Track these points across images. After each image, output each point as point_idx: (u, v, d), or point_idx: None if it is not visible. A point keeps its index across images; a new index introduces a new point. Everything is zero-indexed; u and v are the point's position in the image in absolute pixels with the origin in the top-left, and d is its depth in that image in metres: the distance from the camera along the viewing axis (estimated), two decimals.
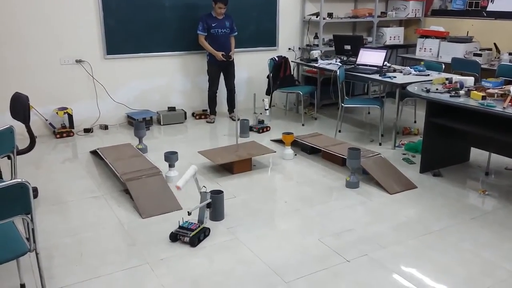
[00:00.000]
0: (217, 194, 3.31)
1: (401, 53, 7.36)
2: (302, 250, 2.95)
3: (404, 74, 5.16)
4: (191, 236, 2.98)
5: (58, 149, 5.05)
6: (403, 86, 4.62)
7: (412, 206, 3.59)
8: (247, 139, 5.17)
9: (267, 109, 5.28)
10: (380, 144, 5.08)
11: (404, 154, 4.79)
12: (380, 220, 3.36)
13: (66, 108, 5.46)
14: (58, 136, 5.41)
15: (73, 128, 5.52)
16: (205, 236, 3.09)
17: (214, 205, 3.30)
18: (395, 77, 4.99)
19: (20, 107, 3.43)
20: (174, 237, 3.03)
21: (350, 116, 6.35)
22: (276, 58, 6.12)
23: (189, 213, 3.02)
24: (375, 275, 2.68)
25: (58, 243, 3.03)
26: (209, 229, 3.14)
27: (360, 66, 5.48)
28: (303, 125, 5.91)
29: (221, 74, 5.99)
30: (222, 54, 5.73)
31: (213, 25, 5.71)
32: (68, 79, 5.52)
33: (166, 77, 6.11)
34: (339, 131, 5.55)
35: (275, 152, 4.50)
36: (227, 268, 2.75)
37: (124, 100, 5.89)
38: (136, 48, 5.81)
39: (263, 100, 5.37)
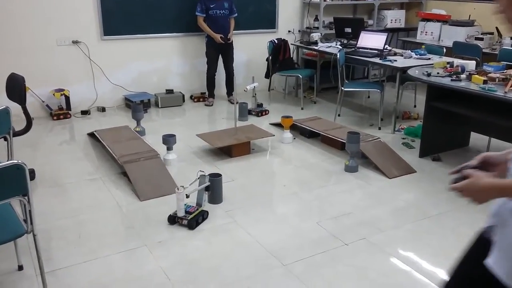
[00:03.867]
0: (215, 177, 3.30)
1: (402, 37, 7.28)
2: (300, 234, 2.94)
3: (405, 58, 5.12)
4: (189, 219, 2.97)
5: (55, 131, 5.01)
6: (404, 70, 4.58)
7: (410, 191, 3.59)
8: (245, 123, 5.14)
9: (248, 89, 5.14)
10: (379, 129, 5.06)
11: (403, 138, 4.77)
12: (379, 204, 3.36)
13: (63, 90, 5.40)
14: (55, 118, 5.37)
15: (70, 110, 5.48)
16: (204, 219, 3.08)
17: (213, 188, 3.29)
18: (395, 60, 4.94)
19: (16, 88, 3.39)
20: (172, 220, 3.02)
21: (349, 100, 6.31)
22: (276, 41, 6.05)
23: (187, 196, 3.01)
24: (373, 258, 2.68)
25: (57, 225, 3.02)
26: (207, 212, 3.14)
27: (360, 50, 5.42)
28: (302, 108, 5.87)
29: (220, 56, 5.93)
30: (220, 37, 5.66)
31: (211, 6, 5.62)
32: (65, 60, 5.45)
33: (164, 59, 6.04)
34: (339, 115, 5.52)
35: (273, 135, 4.47)
36: (225, 251, 2.75)
37: (121, 82, 5.83)
38: (133, 29, 5.73)
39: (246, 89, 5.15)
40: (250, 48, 6.48)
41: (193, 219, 2.98)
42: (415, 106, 5.92)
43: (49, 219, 3.11)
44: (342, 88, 5.13)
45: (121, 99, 5.89)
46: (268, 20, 6.56)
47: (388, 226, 3.05)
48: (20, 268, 2.52)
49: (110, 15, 5.52)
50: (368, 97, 6.52)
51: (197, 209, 3.07)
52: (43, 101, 5.45)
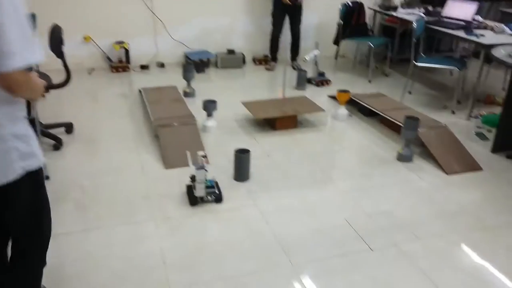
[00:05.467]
0: (242, 154, 3.03)
1: (504, 7, 6.26)
2: (322, 229, 2.61)
3: (496, 33, 4.34)
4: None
5: (112, 84, 5.01)
6: (490, 47, 3.87)
7: (470, 192, 3.06)
8: (302, 92, 4.76)
9: (307, 59, 4.78)
10: (453, 112, 4.41)
11: (479, 127, 4.12)
12: (426, 205, 2.89)
13: (122, 42, 5.36)
14: (114, 70, 5.37)
15: (129, 63, 5.45)
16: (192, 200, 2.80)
17: (239, 164, 3.03)
18: (482, 35, 4.20)
19: (54, 40, 3.31)
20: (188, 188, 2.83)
21: (427, 76, 5.61)
22: (350, 4, 5.47)
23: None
24: (398, 271, 2.29)
25: (76, 185, 2.97)
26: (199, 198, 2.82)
27: (445, 19, 4.71)
28: (369, 81, 5.32)
29: (287, 18, 5.50)
30: None
31: None
32: (127, 12, 5.36)
33: (228, 16, 5.75)
34: (409, 93, 4.92)
35: (323, 111, 4.05)
36: (234, 238, 2.51)
37: (183, 38, 5.66)
38: None
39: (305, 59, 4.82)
40: (323, 10, 5.95)
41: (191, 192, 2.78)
42: (503, 89, 5.09)
43: (71, 177, 3.06)
44: (415, 62, 4.50)
45: (181, 55, 5.74)
46: None
47: (428, 233, 2.61)
48: None
49: None
50: (451, 74, 5.75)
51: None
52: (105, 53, 5.46)
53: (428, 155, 3.48)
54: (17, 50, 1.35)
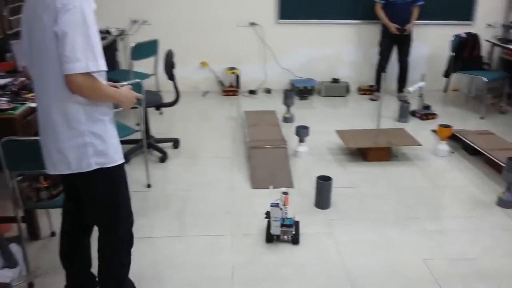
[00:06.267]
0: (324, 181, 3.07)
1: None
2: (397, 268, 2.53)
3: None
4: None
5: (221, 106, 5.37)
6: None
7: None
8: (404, 125, 4.62)
9: (410, 91, 4.71)
10: None
11: None
12: None
13: (234, 69, 5.74)
14: (224, 94, 5.76)
15: (239, 88, 5.80)
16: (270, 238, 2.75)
17: (320, 191, 3.08)
18: None
19: (167, 63, 3.72)
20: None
21: None
22: (463, 35, 5.20)
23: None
24: None
25: (173, 195, 3.27)
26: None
27: None
28: (482, 118, 4.97)
29: (395, 48, 5.42)
30: (395, 27, 5.14)
31: None
32: (241, 41, 5.74)
33: (335, 46, 5.84)
34: None
35: (420, 145, 3.90)
36: (304, 263, 2.55)
37: (290, 66, 5.88)
38: (309, 14, 5.66)
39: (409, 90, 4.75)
40: (435, 41, 5.75)
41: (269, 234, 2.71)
42: None
43: (171, 187, 3.38)
44: None
45: (287, 83, 5.95)
46: (462, 10, 5.67)
47: None
48: None
49: None
50: None
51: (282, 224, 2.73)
52: (218, 77, 5.89)
53: None
54: (81, 57, 1.57)
